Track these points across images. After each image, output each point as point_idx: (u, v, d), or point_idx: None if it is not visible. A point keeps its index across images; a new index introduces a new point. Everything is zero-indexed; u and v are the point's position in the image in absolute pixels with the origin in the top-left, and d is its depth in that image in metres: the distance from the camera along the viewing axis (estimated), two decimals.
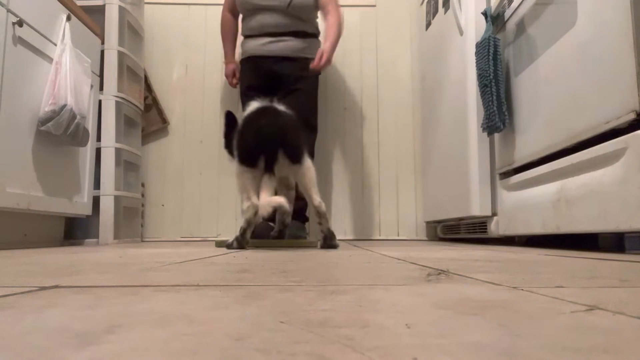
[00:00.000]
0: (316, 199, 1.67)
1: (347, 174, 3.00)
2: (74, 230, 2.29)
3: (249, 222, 1.62)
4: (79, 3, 2.21)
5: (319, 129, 2.96)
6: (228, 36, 2.63)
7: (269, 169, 1.58)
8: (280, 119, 1.66)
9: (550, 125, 1.59)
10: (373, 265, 0.92)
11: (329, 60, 2.24)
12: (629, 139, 1.20)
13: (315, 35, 2.50)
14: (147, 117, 2.90)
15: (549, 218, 1.57)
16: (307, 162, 1.67)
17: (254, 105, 1.75)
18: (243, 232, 1.63)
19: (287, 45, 2.41)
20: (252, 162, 1.60)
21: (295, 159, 1.63)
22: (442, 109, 2.50)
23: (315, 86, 2.48)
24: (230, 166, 1.87)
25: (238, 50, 2.65)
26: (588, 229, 1.37)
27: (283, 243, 1.92)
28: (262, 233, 2.17)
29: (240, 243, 1.63)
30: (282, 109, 1.71)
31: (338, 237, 2.92)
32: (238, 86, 2.64)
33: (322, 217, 1.68)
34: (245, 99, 2.48)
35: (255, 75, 2.48)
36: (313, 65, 2.21)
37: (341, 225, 2.96)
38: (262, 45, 2.44)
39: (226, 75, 2.69)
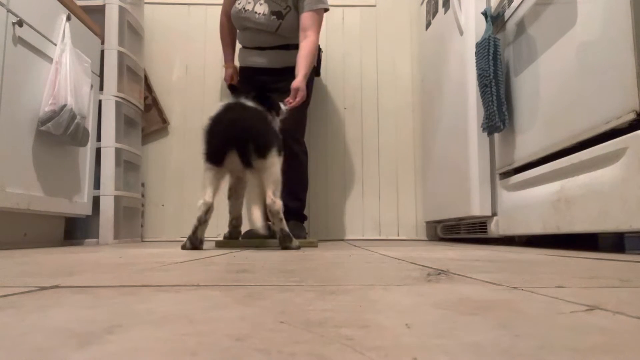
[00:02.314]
0: (270, 196, 1.59)
1: (347, 174, 3.00)
2: (74, 230, 2.29)
3: (199, 220, 1.59)
4: (79, 3, 2.21)
5: (319, 129, 2.97)
6: (226, 40, 2.63)
7: (247, 164, 1.58)
8: (248, 113, 1.65)
9: (550, 125, 1.59)
10: (373, 266, 0.92)
11: (303, 96, 2.18)
12: (629, 139, 1.20)
13: None
14: (147, 117, 2.90)
15: (549, 218, 1.57)
16: (273, 158, 1.61)
17: (220, 104, 1.74)
18: (195, 230, 1.60)
19: (274, 58, 2.42)
20: (218, 160, 1.60)
21: (261, 153, 1.58)
22: (442, 109, 2.50)
23: (307, 101, 2.34)
24: None
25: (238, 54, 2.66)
26: (588, 229, 1.37)
27: None
28: (260, 233, 2.17)
29: (193, 242, 1.60)
30: (250, 105, 1.69)
31: (338, 237, 2.93)
32: None
33: (274, 216, 1.60)
34: None
35: (247, 84, 2.51)
36: (290, 104, 2.12)
37: (341, 225, 2.96)
38: (250, 58, 2.47)
39: (224, 79, 2.70)
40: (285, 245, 1.62)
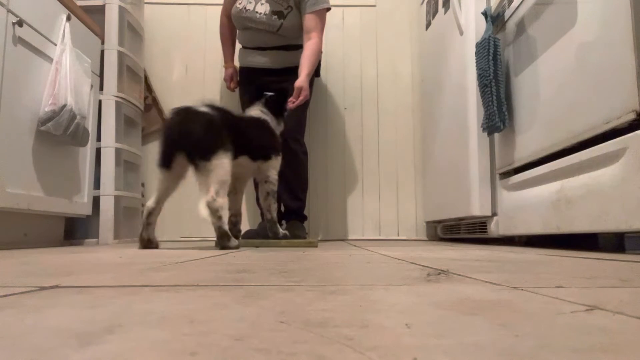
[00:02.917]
0: (211, 193, 1.58)
1: (347, 174, 3.00)
2: (74, 230, 2.28)
3: (142, 223, 1.73)
4: (79, 3, 2.21)
5: (319, 129, 2.97)
6: (226, 40, 2.64)
7: (195, 166, 1.60)
8: (191, 118, 1.65)
9: (550, 125, 1.59)
10: (373, 266, 0.92)
11: (307, 95, 2.19)
12: (629, 139, 1.20)
13: (302, 45, 2.41)
14: (147, 117, 2.90)
15: (549, 218, 1.57)
16: (217, 161, 1.60)
17: (172, 109, 1.77)
18: (140, 231, 1.72)
19: (275, 58, 2.43)
20: (163, 164, 1.67)
21: (202, 156, 1.59)
22: (442, 109, 2.50)
23: (307, 101, 2.33)
24: None
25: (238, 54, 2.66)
26: (588, 229, 1.37)
27: (282, 243, 1.92)
28: (260, 233, 2.17)
29: (142, 242, 1.70)
30: (201, 109, 1.68)
31: (338, 237, 2.93)
32: (237, 89, 2.65)
33: (212, 214, 1.59)
34: (241, 104, 2.54)
35: (247, 85, 2.52)
36: (292, 103, 2.13)
37: (341, 225, 2.96)
38: (251, 58, 2.47)
39: (224, 79, 2.70)
40: (223, 244, 1.61)
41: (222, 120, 1.70)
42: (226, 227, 1.62)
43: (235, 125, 1.78)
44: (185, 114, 1.68)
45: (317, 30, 2.29)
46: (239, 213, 2.07)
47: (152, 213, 1.71)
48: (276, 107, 2.05)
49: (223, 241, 1.61)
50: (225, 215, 1.63)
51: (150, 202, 1.72)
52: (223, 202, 1.61)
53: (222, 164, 1.62)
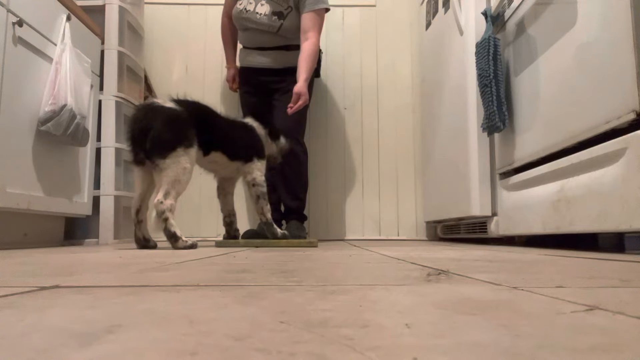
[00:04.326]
0: (159, 195, 1.59)
1: (347, 174, 3.00)
2: (74, 230, 2.28)
3: (134, 222, 1.70)
4: (79, 3, 2.21)
5: (319, 129, 2.97)
6: (227, 41, 2.64)
7: (152, 163, 1.60)
8: (151, 114, 1.63)
9: (550, 125, 1.59)
10: (373, 265, 0.92)
11: (306, 100, 2.18)
12: (629, 139, 1.20)
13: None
14: None
15: (549, 218, 1.57)
16: (171, 160, 1.59)
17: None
18: (134, 231, 1.70)
19: (274, 58, 2.43)
20: (133, 159, 1.67)
21: (158, 153, 1.59)
22: (442, 109, 2.50)
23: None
24: None
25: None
26: (588, 229, 1.37)
27: (282, 243, 1.92)
28: (260, 233, 2.18)
29: (138, 242, 1.70)
30: (164, 105, 1.66)
31: (338, 237, 2.93)
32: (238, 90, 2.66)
33: (158, 216, 1.59)
34: (242, 104, 2.55)
35: (247, 84, 2.52)
36: (290, 109, 2.14)
37: (341, 225, 2.96)
38: (251, 58, 2.48)
39: (227, 80, 2.71)
40: (173, 246, 1.61)
41: (187, 115, 1.67)
42: (173, 228, 1.60)
43: (207, 121, 1.77)
44: (146, 111, 1.67)
45: (314, 30, 2.28)
46: (233, 213, 2.07)
47: (140, 211, 1.70)
48: (263, 116, 2.10)
49: (172, 242, 1.61)
50: (172, 216, 1.61)
51: (135, 202, 1.72)
52: (171, 204, 1.60)
53: (179, 162, 1.61)
